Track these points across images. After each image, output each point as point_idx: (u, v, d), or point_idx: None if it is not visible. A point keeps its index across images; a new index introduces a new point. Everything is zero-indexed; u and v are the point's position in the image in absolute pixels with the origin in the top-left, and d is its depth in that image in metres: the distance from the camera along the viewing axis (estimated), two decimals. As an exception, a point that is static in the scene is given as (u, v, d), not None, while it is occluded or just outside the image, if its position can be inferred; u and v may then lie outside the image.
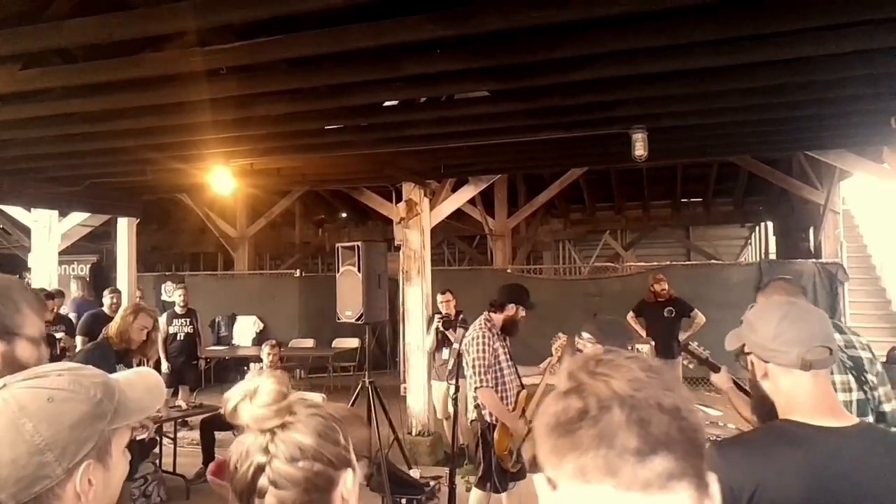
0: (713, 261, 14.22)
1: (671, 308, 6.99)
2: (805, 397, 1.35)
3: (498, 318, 4.20)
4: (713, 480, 0.68)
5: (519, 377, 4.20)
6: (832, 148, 6.36)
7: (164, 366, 7.71)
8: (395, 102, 4.41)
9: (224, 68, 3.49)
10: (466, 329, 6.48)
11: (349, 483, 1.03)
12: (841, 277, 9.31)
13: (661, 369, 0.71)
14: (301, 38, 3.14)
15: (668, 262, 11.79)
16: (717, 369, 2.78)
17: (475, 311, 7.05)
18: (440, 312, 6.80)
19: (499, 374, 4.06)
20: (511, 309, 4.18)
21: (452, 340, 6.41)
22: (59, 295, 7.25)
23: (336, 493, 1.02)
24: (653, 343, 6.21)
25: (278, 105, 4.20)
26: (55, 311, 6.74)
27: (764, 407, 1.44)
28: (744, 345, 1.51)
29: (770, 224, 15.05)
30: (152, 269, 13.46)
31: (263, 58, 3.37)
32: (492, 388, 4.00)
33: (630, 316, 7.07)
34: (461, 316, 6.82)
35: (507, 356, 4.15)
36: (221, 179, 6.09)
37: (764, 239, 16.01)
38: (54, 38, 3.13)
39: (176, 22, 3.00)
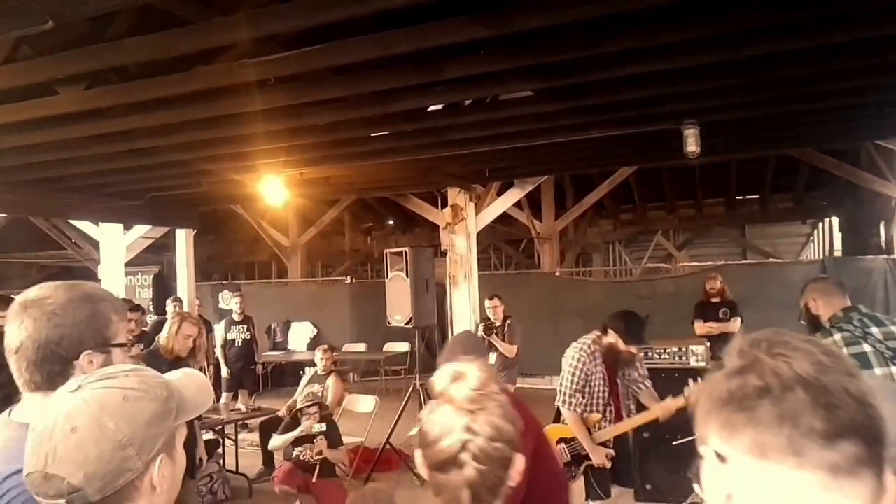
0: (771, 259, 13.72)
1: (726, 309, 6.76)
2: None
3: (605, 341, 3.78)
4: (890, 473, 0.67)
5: (619, 407, 3.90)
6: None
7: (224, 371, 7.94)
8: (439, 107, 4.44)
9: (272, 79, 3.59)
10: (512, 333, 6.45)
11: (519, 465, 1.14)
12: (912, 273, 8.86)
13: (841, 355, 0.70)
14: (344, 46, 3.20)
15: (723, 262, 11.46)
16: None
17: (522, 316, 7.07)
18: (488, 318, 6.74)
19: (591, 398, 3.80)
20: (612, 336, 3.72)
21: (497, 346, 6.40)
22: (138, 309, 7.23)
23: (510, 473, 1.12)
24: (708, 344, 6.05)
25: (324, 114, 4.29)
26: (138, 324, 6.68)
27: None
28: None
29: (835, 219, 14.43)
30: (209, 279, 13.86)
31: (309, 66, 3.45)
32: (575, 411, 3.74)
33: (699, 324, 6.72)
34: (508, 322, 6.74)
35: (605, 383, 3.81)
36: (273, 189, 6.26)
37: (828, 235, 15.36)
38: (114, 57, 3.28)
39: (229, 34, 3.10)
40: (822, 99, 4.32)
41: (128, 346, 1.45)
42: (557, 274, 11.49)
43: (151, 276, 11.81)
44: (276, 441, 5.30)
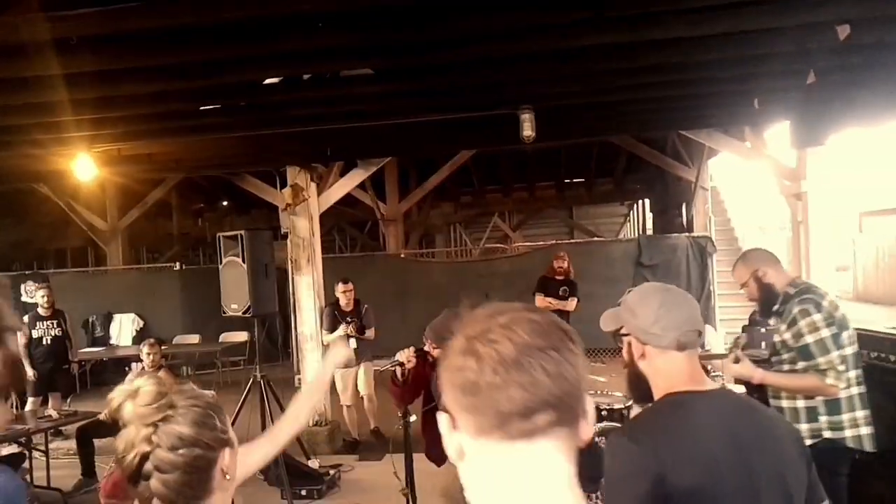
0: (596, 238, 14.91)
1: (566, 288, 7.15)
2: (680, 373, 1.52)
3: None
4: (587, 413, 0.82)
5: None
6: (704, 127, 6.77)
7: (30, 373, 7.00)
8: (276, 80, 4.18)
9: (74, 38, 3.12)
10: (370, 317, 6.39)
11: (227, 458, 1.23)
12: (710, 249, 10.05)
13: (549, 329, 0.80)
14: (167, 8, 2.87)
15: (553, 242, 12.23)
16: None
17: (368, 299, 6.99)
18: (336, 303, 6.57)
19: None
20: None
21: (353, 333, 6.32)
22: None
23: (216, 469, 1.21)
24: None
25: (145, 83, 3.85)
26: None
27: (640, 385, 1.60)
28: (621, 327, 1.65)
29: (647, 201, 15.98)
30: (9, 269, 12.24)
31: (123, 27, 3.05)
32: None
33: (539, 298, 7.02)
34: (366, 305, 6.64)
35: None
36: (83, 167, 5.55)
37: (641, 216, 16.99)
38: None
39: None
40: (645, 90, 4.66)
41: (18, 327, 1.36)
42: (403, 255, 11.56)
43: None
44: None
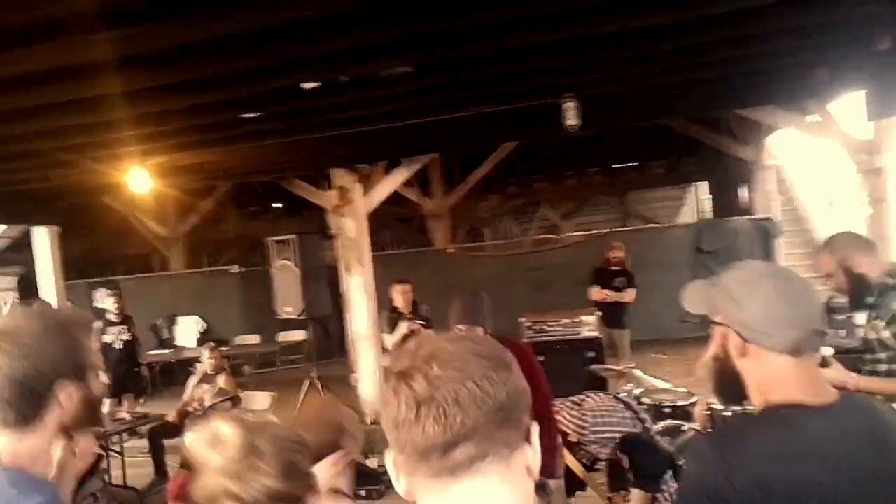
0: (651, 224, 14.53)
1: (623, 279, 6.94)
2: (791, 381, 1.22)
3: None
4: (531, 435, 0.80)
5: None
6: (767, 104, 6.45)
7: (104, 376, 7.34)
8: (315, 85, 4.22)
9: (119, 58, 3.23)
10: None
11: None
12: (774, 232, 9.61)
13: (466, 358, 0.78)
14: (207, 20, 2.93)
15: (607, 230, 11.98)
16: None
17: (418, 294, 6.98)
18: (394, 307, 6.06)
19: None
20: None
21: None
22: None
23: None
24: (599, 314, 6.23)
25: (189, 96, 3.95)
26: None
27: (731, 385, 1.32)
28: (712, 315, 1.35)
29: (705, 184, 15.45)
30: (84, 276, 12.84)
31: (166, 44, 3.14)
32: None
33: (595, 290, 6.83)
34: (425, 307, 6.12)
35: None
36: (139, 180, 5.76)
37: (700, 199, 16.45)
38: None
39: (66, 4, 2.75)
40: (696, 70, 4.48)
41: (102, 368, 1.38)
42: (451, 250, 11.55)
43: (16, 279, 10.77)
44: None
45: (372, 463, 5.84)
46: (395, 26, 3.23)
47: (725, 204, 12.89)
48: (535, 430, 0.81)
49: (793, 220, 11.98)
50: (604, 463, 3.71)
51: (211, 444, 1.07)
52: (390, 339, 6.13)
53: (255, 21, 2.98)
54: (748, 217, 10.12)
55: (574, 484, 3.76)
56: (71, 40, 3.01)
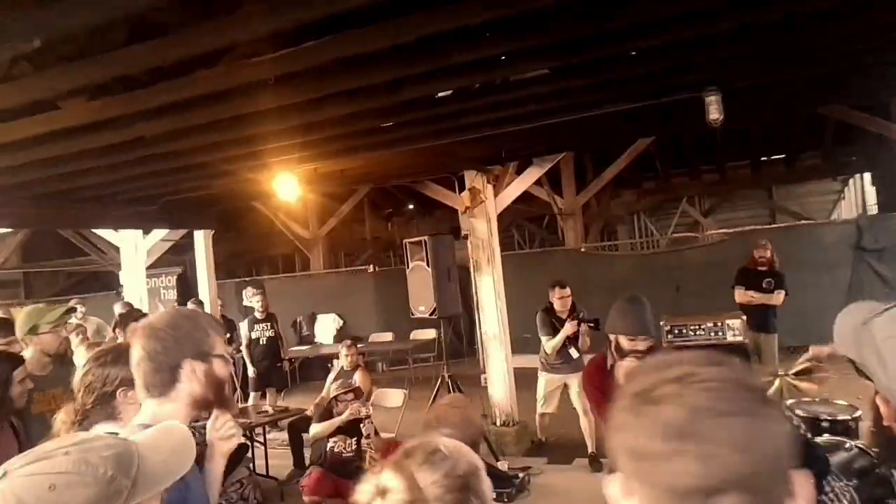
0: (802, 221, 13.33)
1: (771, 280, 6.48)
2: None
3: None
4: (794, 497, 0.67)
5: None
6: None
7: (251, 370, 7.95)
8: (449, 92, 4.29)
9: (272, 78, 3.47)
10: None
11: None
12: (951, 227, 8.52)
13: (733, 388, 0.67)
14: (348, 38, 3.07)
15: (752, 227, 11.17)
16: None
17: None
18: (549, 308, 5.96)
19: None
20: None
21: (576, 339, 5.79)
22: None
23: None
24: (744, 317, 5.82)
25: (334, 108, 4.17)
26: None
27: (891, 444, 1.24)
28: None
29: (867, 175, 13.95)
30: (233, 276, 13.96)
31: (313, 62, 3.33)
32: None
33: (740, 292, 6.45)
34: (582, 312, 5.92)
35: None
36: (287, 186, 6.17)
37: (860, 192, 14.88)
38: (110, 68, 3.20)
39: (225, 36, 3.00)
40: (846, 59, 4.07)
41: (227, 357, 1.66)
42: (583, 249, 11.29)
43: (175, 277, 11.91)
44: (317, 428, 5.15)
45: (503, 465, 5.85)
46: (536, 33, 3.21)
47: (893, 197, 11.56)
48: (804, 480, 0.69)
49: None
50: None
51: (378, 495, 1.09)
52: (551, 343, 5.91)
53: (390, 38, 3.08)
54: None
55: None
56: (228, 66, 3.29)
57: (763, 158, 14.24)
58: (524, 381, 6.70)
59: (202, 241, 8.44)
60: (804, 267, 8.30)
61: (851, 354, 1.19)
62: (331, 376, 6.58)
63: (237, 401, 7.31)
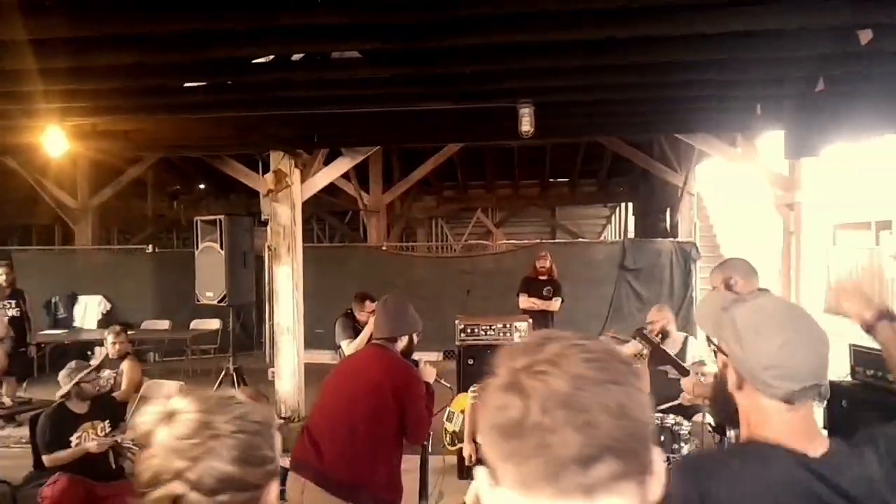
0: (579, 239, 14.84)
1: (550, 288, 7.05)
2: (779, 425, 1.20)
3: None
4: (655, 468, 0.69)
5: None
6: (701, 131, 6.61)
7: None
8: (266, 60, 3.94)
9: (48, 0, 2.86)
10: None
11: (273, 493, 1.04)
12: (694, 255, 10.00)
13: (607, 359, 0.69)
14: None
15: (537, 241, 12.10)
16: (685, 372, 2.71)
17: (348, 290, 6.71)
18: (350, 314, 5.47)
19: None
20: None
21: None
22: None
23: None
24: (531, 320, 6.27)
25: (122, 54, 3.58)
26: None
27: (727, 407, 1.34)
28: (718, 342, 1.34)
29: (630, 205, 15.96)
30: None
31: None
32: None
33: (524, 298, 6.90)
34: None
35: None
36: (54, 141, 5.23)
37: (623, 219, 16.98)
38: None
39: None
40: (650, 89, 4.50)
41: None
42: (384, 248, 11.34)
43: None
44: (56, 458, 4.14)
45: (285, 462, 5.56)
46: (359, 10, 3.04)
47: (648, 225, 13.31)
48: (659, 456, 0.71)
49: (709, 247, 12.52)
50: None
51: (164, 420, 0.98)
52: (348, 345, 5.39)
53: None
54: (671, 239, 10.47)
55: None
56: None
57: (551, 180, 15.63)
58: (313, 376, 6.47)
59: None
60: (577, 280, 9.16)
61: (708, 331, 1.40)
62: (93, 362, 5.70)
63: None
